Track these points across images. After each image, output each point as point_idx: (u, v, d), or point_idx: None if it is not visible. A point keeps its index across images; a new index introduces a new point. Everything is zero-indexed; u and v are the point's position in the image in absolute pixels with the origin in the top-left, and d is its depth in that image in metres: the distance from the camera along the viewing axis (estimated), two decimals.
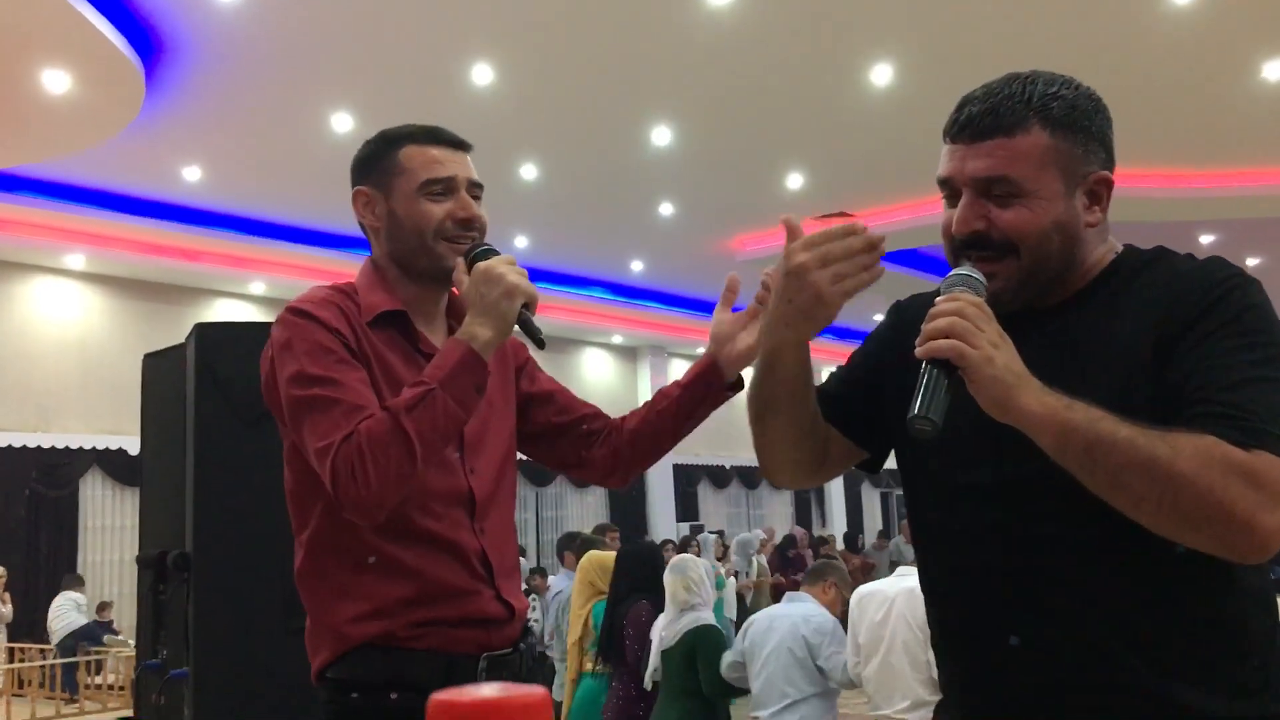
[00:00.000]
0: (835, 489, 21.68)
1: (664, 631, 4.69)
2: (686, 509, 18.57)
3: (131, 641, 8.53)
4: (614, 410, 2.03)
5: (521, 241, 12.81)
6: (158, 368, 3.28)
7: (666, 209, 12.25)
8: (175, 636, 2.88)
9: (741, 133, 9.91)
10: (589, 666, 5.60)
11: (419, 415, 1.62)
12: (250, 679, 2.63)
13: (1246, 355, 1.30)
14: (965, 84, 1.48)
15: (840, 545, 16.72)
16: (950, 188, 1.48)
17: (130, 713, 3.53)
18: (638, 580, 5.26)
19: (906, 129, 9.77)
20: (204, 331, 2.87)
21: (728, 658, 4.58)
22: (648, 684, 4.83)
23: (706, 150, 10.40)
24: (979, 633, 1.44)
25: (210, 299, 13.58)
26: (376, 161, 1.87)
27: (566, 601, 6.40)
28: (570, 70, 8.50)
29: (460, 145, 1.88)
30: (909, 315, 1.59)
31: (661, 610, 4.99)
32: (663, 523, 17.65)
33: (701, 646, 4.58)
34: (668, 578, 4.81)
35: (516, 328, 1.74)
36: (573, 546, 7.04)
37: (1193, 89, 8.75)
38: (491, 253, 1.78)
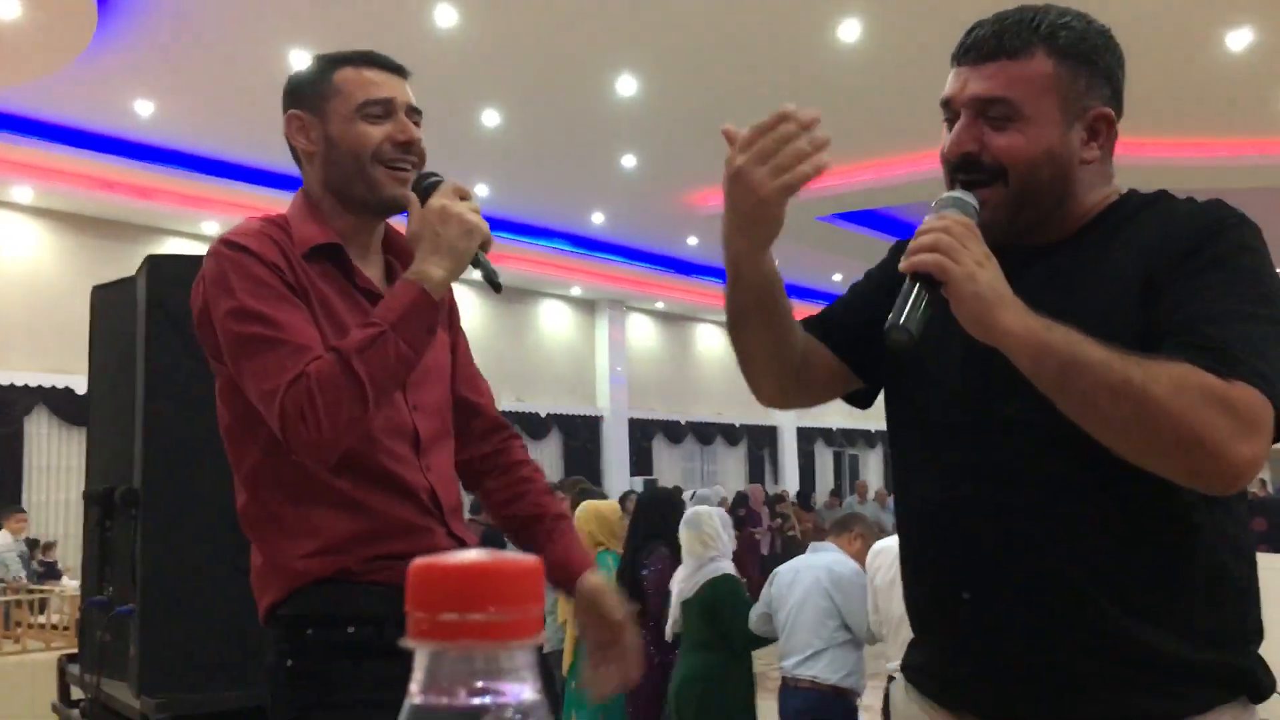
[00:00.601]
0: (788, 447, 21.85)
1: (683, 583, 4.64)
2: (641, 463, 18.64)
3: (76, 583, 8.42)
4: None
5: (482, 189, 12.67)
6: (107, 300, 3.20)
7: (629, 161, 12.16)
8: (121, 574, 2.83)
9: (707, 85, 9.83)
10: None
11: (370, 357, 1.58)
12: (198, 616, 2.59)
13: (1234, 291, 1.30)
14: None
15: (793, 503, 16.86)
16: (950, 110, 1.46)
17: (74, 650, 3.48)
18: (655, 527, 5.17)
19: (872, 88, 9.75)
20: (156, 264, 2.79)
21: (756, 609, 4.53)
22: (669, 636, 4.75)
23: (671, 102, 10.32)
24: (951, 567, 1.45)
25: (161, 237, 13.32)
26: (311, 85, 1.81)
27: None
28: (535, 14, 8.36)
29: (398, 70, 1.82)
30: None
31: (678, 557, 4.94)
32: (617, 476, 17.71)
33: (722, 597, 4.53)
34: (683, 533, 4.75)
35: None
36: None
37: (1157, 57, 8.78)
38: (439, 183, 1.72)
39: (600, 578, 1.87)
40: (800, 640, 4.41)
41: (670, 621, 4.72)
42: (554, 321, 18.23)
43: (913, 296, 1.32)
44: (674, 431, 19.60)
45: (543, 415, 17.22)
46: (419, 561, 0.45)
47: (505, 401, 16.07)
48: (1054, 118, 1.40)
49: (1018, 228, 1.43)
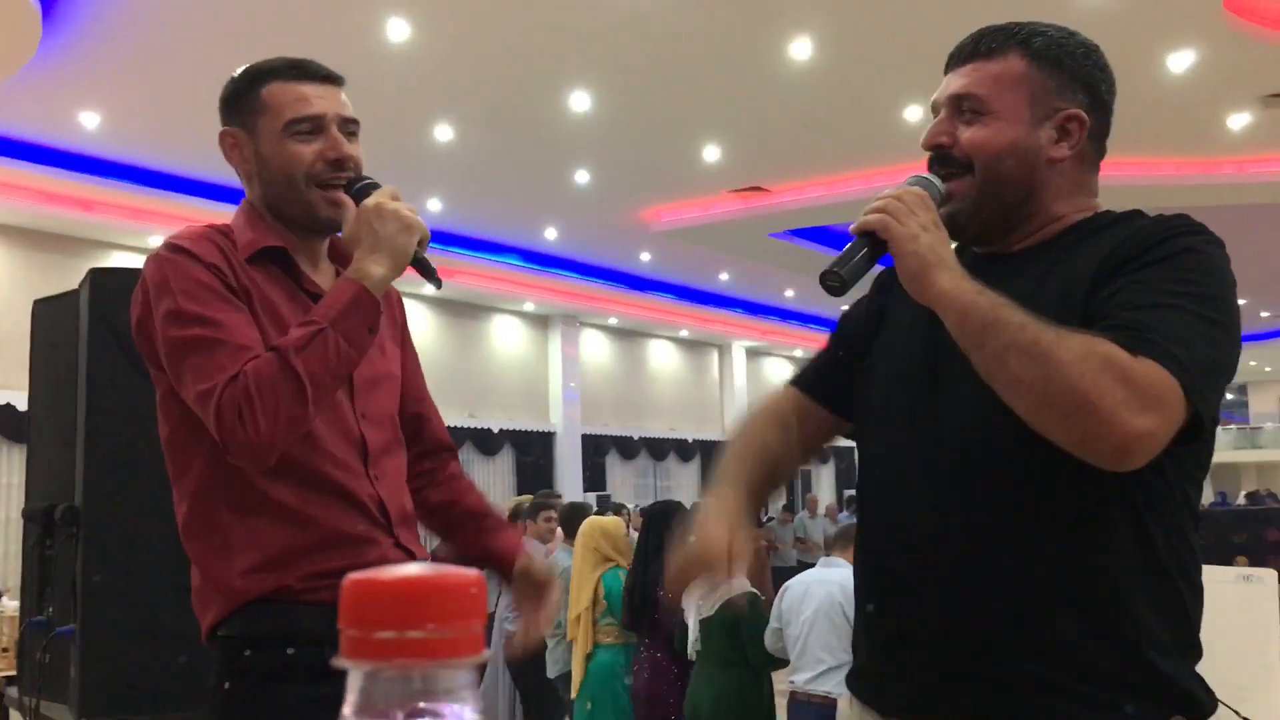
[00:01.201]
0: None
1: (701, 600, 4.52)
2: (594, 479, 18.58)
3: (15, 604, 8.22)
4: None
5: (435, 205, 12.61)
6: (49, 315, 3.13)
7: (583, 176, 12.16)
8: (62, 594, 2.77)
9: (660, 102, 9.86)
10: (604, 639, 5.32)
11: (309, 355, 1.55)
12: (140, 637, 2.54)
13: (1168, 286, 1.32)
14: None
15: None
16: (935, 111, 1.54)
17: (13, 673, 3.40)
18: (666, 540, 5.08)
19: (824, 105, 9.83)
20: (98, 278, 2.74)
21: (770, 626, 4.46)
22: (690, 654, 4.63)
23: (625, 118, 10.34)
24: (896, 573, 1.47)
25: (106, 251, 13.09)
26: (239, 100, 1.76)
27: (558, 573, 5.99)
28: (489, 28, 8.35)
29: (330, 79, 1.77)
30: (892, 282, 1.62)
31: None
32: (570, 492, 17.62)
33: (747, 615, 4.44)
34: None
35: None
36: (536, 515, 6.57)
37: None
38: (374, 187, 1.69)
39: (528, 558, 1.93)
40: (812, 656, 4.38)
41: (691, 640, 4.63)
42: (507, 337, 18.15)
43: (854, 251, 1.40)
44: (627, 447, 19.56)
45: (495, 431, 17.12)
46: (353, 576, 0.43)
47: (457, 417, 15.96)
48: (1021, 114, 1.47)
49: (984, 218, 1.49)
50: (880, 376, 1.56)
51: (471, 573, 0.43)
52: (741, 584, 4.46)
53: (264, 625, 1.61)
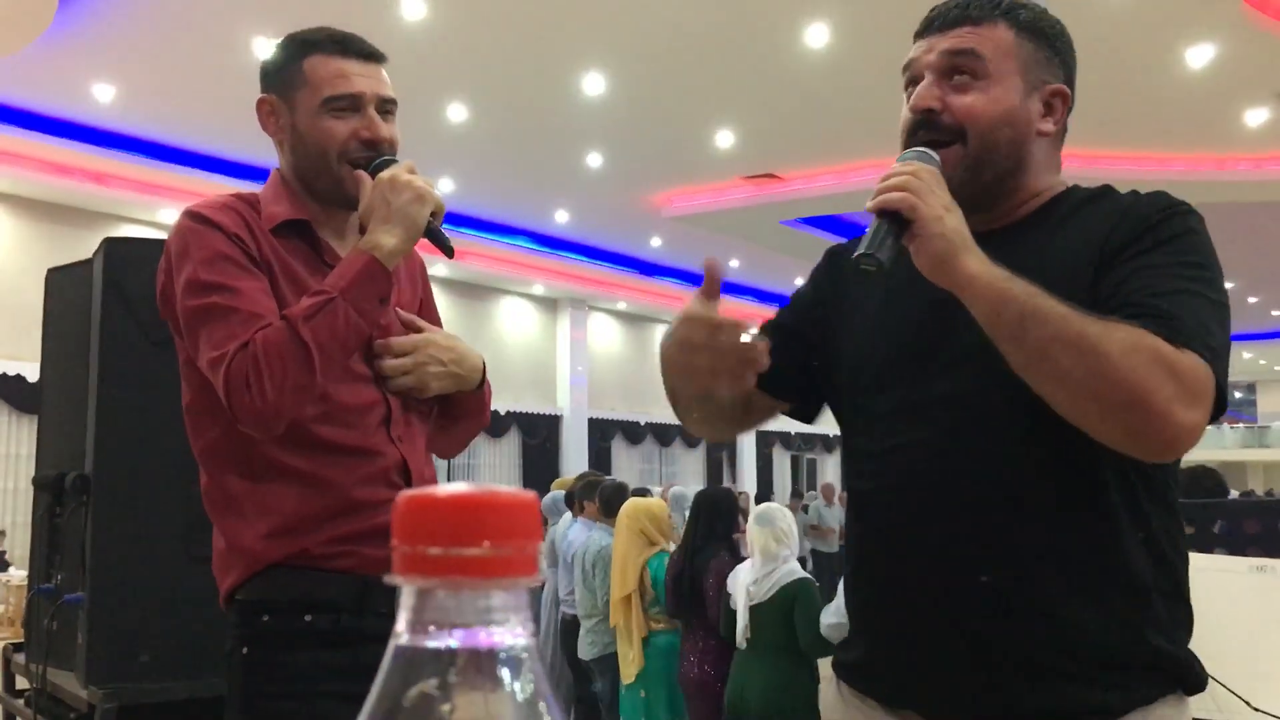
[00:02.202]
0: (747, 449, 21.91)
1: (753, 586, 4.42)
2: (600, 463, 18.60)
3: (23, 573, 8.28)
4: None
5: (447, 184, 12.61)
6: (62, 283, 3.14)
7: (595, 160, 12.15)
8: (71, 562, 2.78)
9: (674, 87, 9.84)
10: (655, 626, 5.21)
11: (317, 324, 1.55)
12: (148, 605, 2.55)
13: (1181, 270, 1.32)
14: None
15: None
16: (912, 72, 1.48)
17: (20, 640, 3.42)
18: (716, 529, 4.94)
19: (839, 94, 9.80)
20: (113, 247, 2.75)
21: (829, 617, 4.29)
22: (740, 642, 4.48)
23: (638, 102, 10.32)
24: (891, 559, 1.44)
25: (117, 224, 13.11)
26: (281, 69, 1.75)
27: (595, 552, 5.78)
28: (504, 9, 8.33)
29: (373, 56, 1.76)
30: (844, 258, 1.57)
31: (736, 559, 4.73)
32: (575, 472, 17.66)
33: (801, 600, 4.33)
34: (754, 529, 4.52)
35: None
36: (593, 495, 6.23)
37: (1118, 72, 8.90)
38: (391, 162, 1.70)
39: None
40: None
41: (740, 628, 4.48)
42: (515, 319, 18.16)
43: (881, 231, 1.30)
44: (633, 432, 19.59)
45: (502, 413, 17.15)
46: (406, 494, 0.42)
47: None
48: (1015, 83, 1.42)
49: (973, 191, 1.42)
50: (865, 364, 1.49)
51: (527, 494, 0.43)
52: (793, 569, 4.44)
53: (283, 591, 1.62)
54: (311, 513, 1.62)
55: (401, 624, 0.42)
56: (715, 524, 5.00)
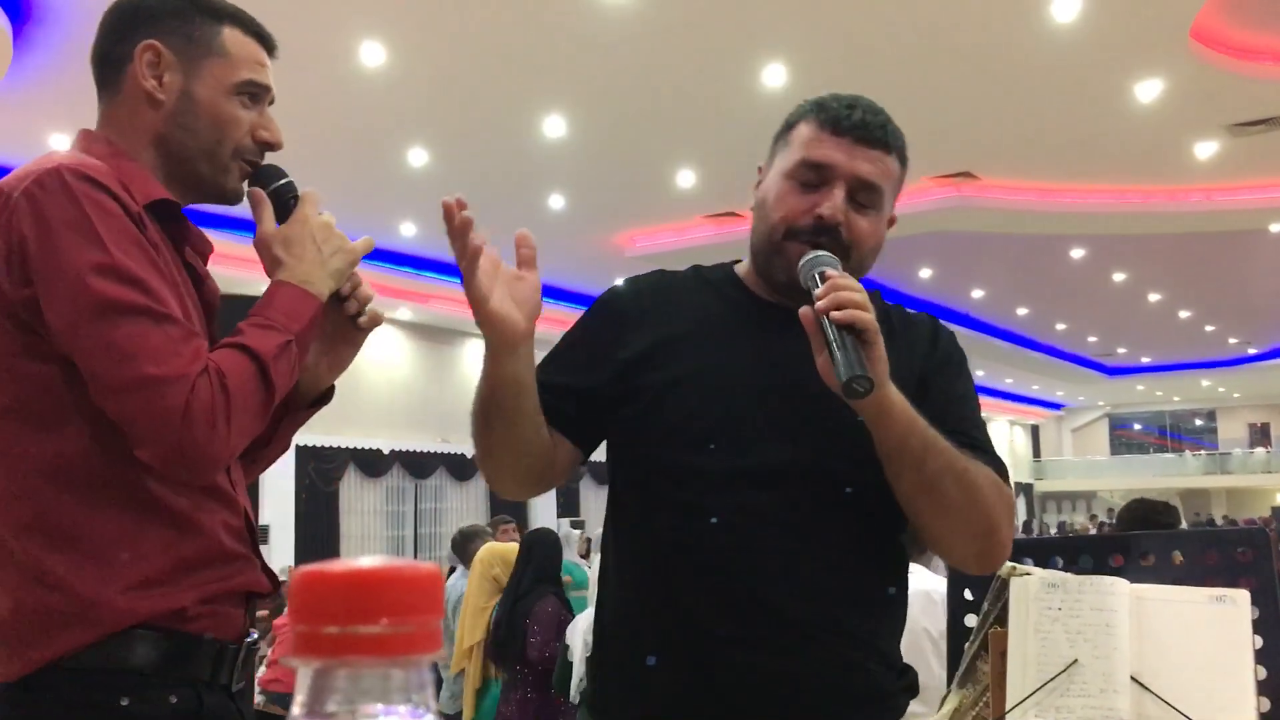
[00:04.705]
0: None
1: (590, 636, 4.22)
2: (569, 505, 18.54)
3: None
4: None
5: (409, 229, 12.58)
6: None
7: (557, 201, 12.19)
8: None
9: (635, 128, 9.91)
10: (494, 673, 5.06)
11: (280, 367, 1.38)
12: None
13: (973, 399, 1.58)
14: (856, 92, 1.58)
15: None
16: (821, 174, 1.50)
17: None
18: (544, 572, 4.80)
19: None
20: None
21: None
22: (574, 697, 4.23)
23: (599, 144, 10.37)
24: (698, 601, 1.43)
25: None
26: (185, 22, 1.50)
27: (455, 601, 5.66)
28: (464, 53, 8.37)
29: (274, 50, 1.59)
30: (651, 296, 1.62)
31: (565, 605, 4.59)
32: (543, 517, 17.56)
33: None
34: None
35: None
36: (475, 543, 6.10)
37: (1068, 105, 9.05)
38: (291, 185, 1.56)
39: None
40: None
41: (575, 681, 4.20)
42: (479, 363, 17.92)
43: (849, 346, 1.29)
44: (601, 473, 19.40)
45: (468, 456, 16.99)
46: (301, 568, 0.40)
47: (430, 442, 15.88)
48: (887, 213, 1.55)
49: None
50: (694, 420, 1.46)
51: (427, 566, 0.41)
52: None
53: (144, 658, 1.32)
54: (185, 560, 1.37)
55: (298, 707, 0.41)
56: (544, 565, 4.83)
